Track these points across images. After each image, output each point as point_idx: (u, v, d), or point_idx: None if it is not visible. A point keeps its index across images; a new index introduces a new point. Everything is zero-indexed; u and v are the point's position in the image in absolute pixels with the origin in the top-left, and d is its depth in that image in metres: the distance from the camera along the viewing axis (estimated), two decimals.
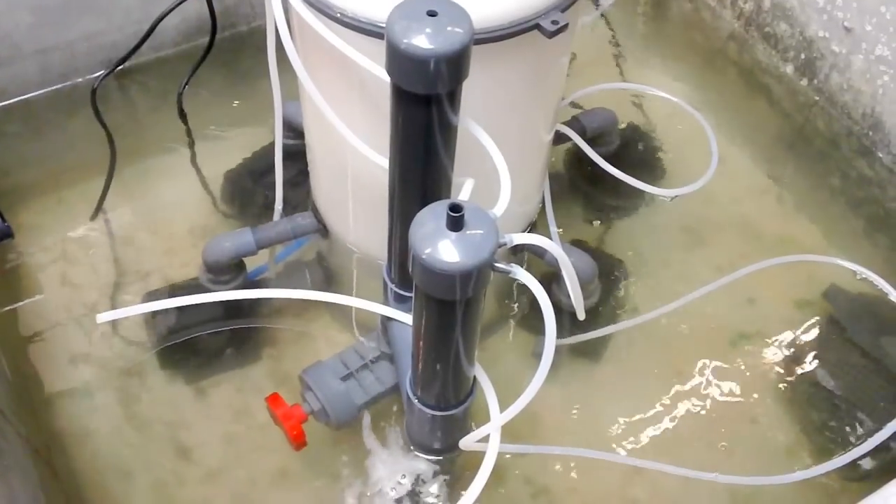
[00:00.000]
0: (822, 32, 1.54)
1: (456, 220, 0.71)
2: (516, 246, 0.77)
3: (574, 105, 1.54)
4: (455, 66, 0.75)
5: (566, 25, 0.88)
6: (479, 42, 0.79)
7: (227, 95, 1.60)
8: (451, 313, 0.77)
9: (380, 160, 0.99)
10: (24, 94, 1.53)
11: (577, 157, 1.45)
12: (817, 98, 1.62)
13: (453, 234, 0.72)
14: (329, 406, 1.10)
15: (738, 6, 1.71)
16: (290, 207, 1.33)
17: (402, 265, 1.01)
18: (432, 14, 0.74)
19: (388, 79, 0.80)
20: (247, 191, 1.44)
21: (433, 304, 0.77)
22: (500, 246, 0.75)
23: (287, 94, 1.15)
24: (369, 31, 0.89)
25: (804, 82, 1.63)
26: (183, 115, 1.54)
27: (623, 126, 1.55)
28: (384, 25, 0.87)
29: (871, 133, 1.54)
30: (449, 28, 0.74)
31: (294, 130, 1.33)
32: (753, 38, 1.72)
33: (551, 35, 0.88)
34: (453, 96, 0.79)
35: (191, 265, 1.34)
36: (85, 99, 1.44)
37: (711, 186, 1.47)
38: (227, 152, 1.49)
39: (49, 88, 1.53)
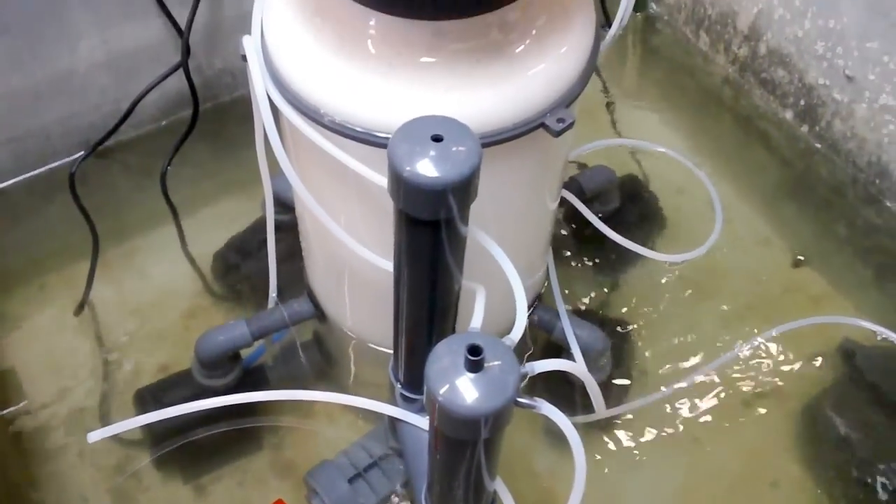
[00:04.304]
0: (823, 80, 1.49)
1: (475, 364, 0.66)
2: None
3: (571, 161, 1.50)
4: (464, 191, 0.71)
5: (573, 123, 0.84)
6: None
7: (212, 168, 1.54)
8: (471, 450, 0.72)
9: (382, 263, 0.94)
10: None
11: (575, 214, 1.41)
12: (819, 145, 1.57)
13: (472, 374, 0.67)
14: None
15: (732, 51, 1.66)
16: (283, 283, 1.27)
17: (409, 368, 0.96)
18: (437, 139, 0.69)
19: (385, 184, 0.75)
20: (238, 269, 1.39)
21: (451, 443, 0.72)
22: (521, 377, 0.71)
23: (274, 167, 1.07)
24: (365, 139, 0.84)
25: (804, 129, 1.59)
26: (167, 193, 1.48)
27: (621, 177, 1.51)
28: (379, 134, 0.83)
29: (877, 181, 1.50)
30: (455, 149, 0.69)
31: (282, 205, 1.28)
32: (749, 83, 1.67)
33: (557, 134, 0.83)
34: (462, 215, 0.75)
35: (184, 349, 1.28)
36: (63, 182, 1.37)
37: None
38: (216, 228, 1.44)
39: (25, 175, 1.46)
